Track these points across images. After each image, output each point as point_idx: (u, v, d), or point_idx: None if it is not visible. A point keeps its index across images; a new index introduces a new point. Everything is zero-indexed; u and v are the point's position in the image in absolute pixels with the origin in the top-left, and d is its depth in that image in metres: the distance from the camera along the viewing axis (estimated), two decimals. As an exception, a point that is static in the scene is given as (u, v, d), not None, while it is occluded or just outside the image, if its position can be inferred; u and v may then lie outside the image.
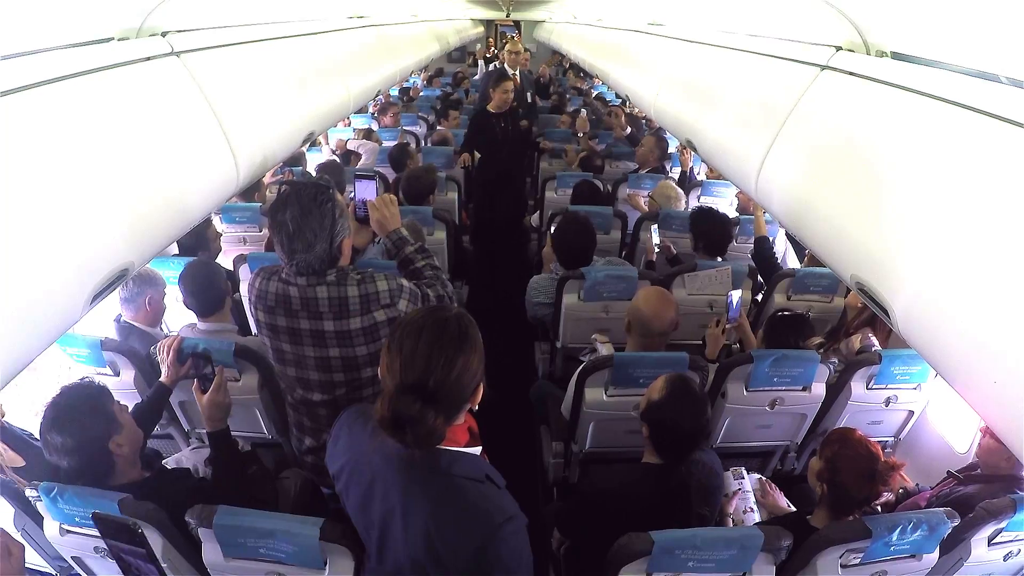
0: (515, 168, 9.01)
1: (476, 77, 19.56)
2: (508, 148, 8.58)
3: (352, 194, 3.91)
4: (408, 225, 3.85)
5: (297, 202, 3.08)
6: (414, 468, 2.33)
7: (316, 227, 3.08)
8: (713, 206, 6.42)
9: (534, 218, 9.16)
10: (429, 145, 10.13)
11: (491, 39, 26.49)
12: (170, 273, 5.09)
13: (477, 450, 2.45)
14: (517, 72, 11.01)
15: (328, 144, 10.03)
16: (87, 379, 3.46)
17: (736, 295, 4.90)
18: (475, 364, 2.27)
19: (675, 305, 4.37)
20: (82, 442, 3.13)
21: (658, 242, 6.32)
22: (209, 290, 4.50)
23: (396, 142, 9.79)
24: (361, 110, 12.10)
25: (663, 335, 4.34)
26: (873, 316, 4.70)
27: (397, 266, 3.77)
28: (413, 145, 9.93)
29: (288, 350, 3.37)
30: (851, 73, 2.61)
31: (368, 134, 10.22)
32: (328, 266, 3.18)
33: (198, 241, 5.79)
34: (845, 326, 4.85)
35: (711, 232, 5.84)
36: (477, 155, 8.84)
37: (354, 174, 3.92)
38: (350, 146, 9.73)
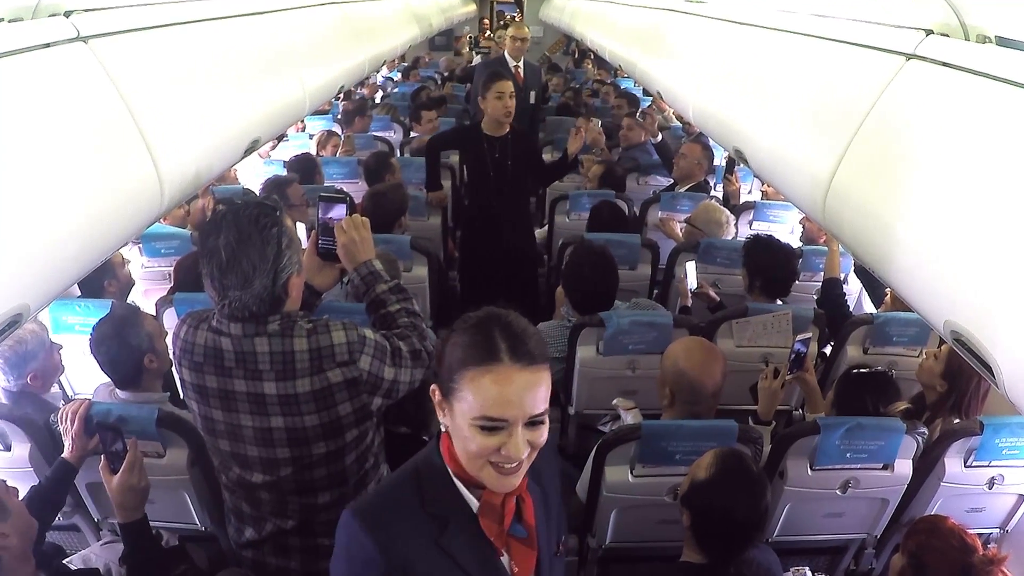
0: (509, 216, 8.29)
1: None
2: (501, 190, 8.08)
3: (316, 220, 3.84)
4: (380, 257, 3.80)
5: (234, 225, 3.03)
6: None
7: (255, 257, 3.03)
8: (770, 233, 6.39)
9: (538, 233, 9.09)
10: (407, 156, 10.04)
11: (486, 20, 26.57)
12: (76, 320, 5.06)
13: None
14: (520, 64, 10.91)
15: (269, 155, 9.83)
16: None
17: (805, 339, 4.83)
18: None
19: (722, 356, 4.35)
20: (-42, 533, 3.11)
21: (694, 285, 6.30)
22: (120, 360, 4.33)
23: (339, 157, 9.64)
24: (320, 111, 12.04)
25: (715, 396, 4.31)
26: (960, 401, 4.67)
27: (365, 309, 3.75)
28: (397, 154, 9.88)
29: (220, 418, 3.32)
30: (945, 63, 2.59)
31: (328, 137, 10.18)
32: (270, 310, 3.14)
33: (102, 270, 5.58)
34: (924, 411, 4.81)
35: (772, 268, 5.81)
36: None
37: (318, 195, 3.83)
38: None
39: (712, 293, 6.29)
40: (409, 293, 3.76)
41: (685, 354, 4.30)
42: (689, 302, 6.28)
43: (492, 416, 2.19)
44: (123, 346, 4.28)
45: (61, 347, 4.78)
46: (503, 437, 2.21)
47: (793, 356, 4.81)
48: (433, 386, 2.37)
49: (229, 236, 3.01)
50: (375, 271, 3.68)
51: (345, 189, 8.20)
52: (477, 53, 20.66)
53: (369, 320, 3.70)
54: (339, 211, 3.67)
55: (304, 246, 3.56)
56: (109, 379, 4.46)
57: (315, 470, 3.36)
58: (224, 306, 3.11)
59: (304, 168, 8.69)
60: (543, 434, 2.28)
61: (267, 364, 3.15)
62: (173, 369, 3.61)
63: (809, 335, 4.88)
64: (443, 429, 2.42)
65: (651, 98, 12.84)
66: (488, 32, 25.72)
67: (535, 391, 2.22)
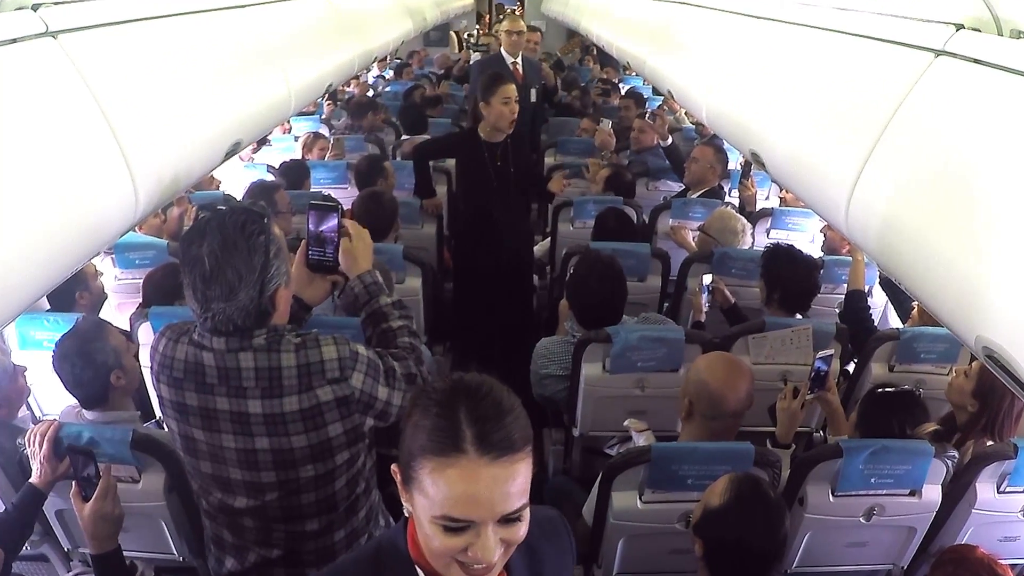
0: (511, 226, 8.34)
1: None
2: (504, 199, 8.09)
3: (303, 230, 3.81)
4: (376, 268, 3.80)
5: (219, 231, 3.01)
6: None
7: (241, 267, 3.01)
8: (789, 242, 6.37)
9: (539, 246, 9.06)
10: (399, 159, 10.02)
11: (486, 15, 26.54)
12: (44, 335, 5.05)
13: None
14: (519, 60, 10.86)
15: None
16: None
17: (826, 356, 4.80)
18: None
19: (750, 374, 4.35)
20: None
21: (708, 282, 6.31)
22: (85, 378, 4.29)
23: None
24: (306, 112, 12.01)
25: (737, 416, 4.31)
26: (992, 421, 4.65)
27: (362, 322, 3.74)
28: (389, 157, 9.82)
29: (201, 438, 3.30)
30: (976, 60, 2.57)
31: (315, 140, 10.18)
32: (256, 323, 3.13)
33: (73, 282, 5.61)
34: (955, 433, 4.78)
35: (791, 279, 5.80)
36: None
37: (308, 203, 3.80)
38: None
39: (727, 293, 6.31)
40: (410, 311, 3.75)
41: (708, 366, 4.32)
42: (703, 317, 6.27)
43: (455, 517, 2.03)
44: (88, 363, 4.24)
45: (25, 369, 4.76)
46: (470, 537, 2.05)
47: (814, 374, 4.78)
48: (394, 467, 2.25)
49: (213, 244, 3.00)
50: (379, 282, 3.69)
51: (333, 195, 8.15)
52: (475, 51, 20.15)
53: (364, 335, 3.69)
54: (331, 220, 3.65)
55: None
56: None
57: (303, 495, 3.34)
58: (207, 319, 3.09)
59: (293, 174, 8.68)
60: (520, 530, 2.12)
61: (252, 381, 3.14)
62: (150, 386, 3.59)
63: (831, 352, 4.86)
64: (406, 514, 2.29)
65: (662, 98, 12.81)
66: (485, 28, 25.58)
67: (507, 486, 2.04)
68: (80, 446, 3.78)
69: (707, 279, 6.28)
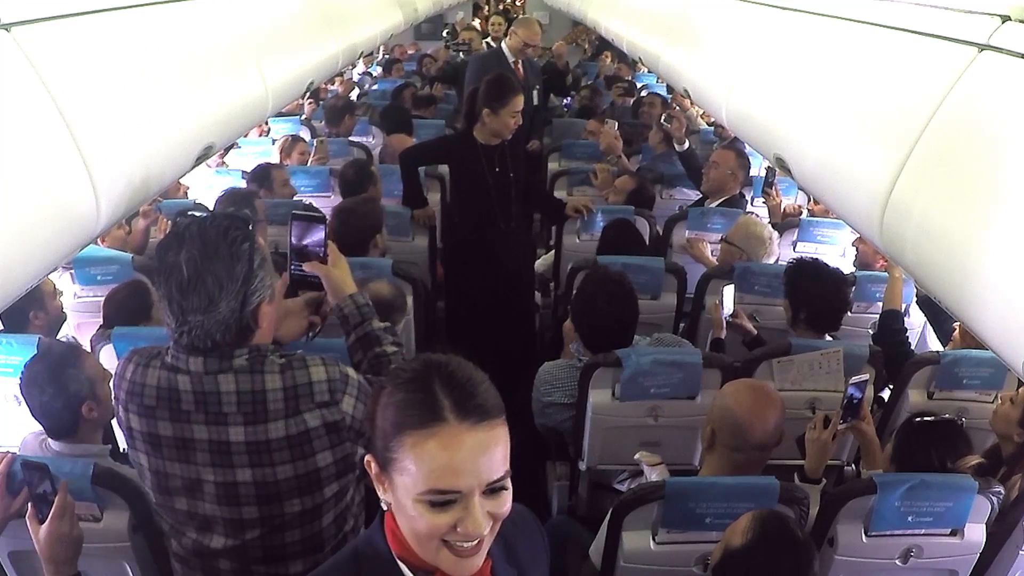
0: (511, 238, 8.23)
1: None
2: (503, 209, 7.90)
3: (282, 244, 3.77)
4: (385, 288, 3.77)
5: (199, 237, 3.00)
6: None
7: (223, 275, 2.99)
8: (817, 256, 6.34)
9: (542, 260, 9.01)
10: (387, 164, 9.90)
11: (484, 5, 26.46)
12: (-4, 360, 5.03)
13: None
14: (519, 58, 10.85)
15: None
16: None
17: (860, 382, 4.78)
18: None
19: (781, 405, 4.34)
20: None
21: (730, 312, 6.27)
22: (54, 407, 4.23)
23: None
24: (288, 112, 11.95)
25: (764, 449, 4.31)
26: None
27: (350, 346, 3.74)
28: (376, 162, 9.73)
29: (176, 472, 3.26)
30: None
31: (293, 144, 10.14)
32: (237, 341, 3.11)
33: (28, 300, 5.56)
34: (1000, 467, 4.76)
35: (819, 297, 5.76)
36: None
37: (291, 213, 3.77)
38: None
39: (749, 325, 6.26)
40: (400, 338, 3.75)
41: (734, 393, 4.34)
42: (723, 334, 6.23)
43: (441, 488, 2.11)
44: (59, 391, 4.20)
45: None
46: (458, 512, 2.13)
47: (846, 401, 4.75)
48: (368, 457, 2.33)
49: (192, 250, 2.98)
50: (371, 304, 3.68)
51: (315, 204, 8.08)
52: (456, 50, 19.42)
53: (352, 360, 3.69)
54: (316, 232, 3.63)
55: None
56: (40, 427, 4.39)
57: (287, 533, 3.32)
58: (183, 334, 3.06)
59: (257, 180, 8.61)
60: (506, 501, 2.21)
61: (233, 406, 3.11)
62: (116, 418, 3.56)
63: (865, 377, 4.83)
64: (384, 507, 2.36)
65: (671, 95, 12.78)
66: (469, 21, 25.15)
67: (491, 452, 2.15)
68: (35, 461, 3.75)
69: (728, 305, 6.23)
